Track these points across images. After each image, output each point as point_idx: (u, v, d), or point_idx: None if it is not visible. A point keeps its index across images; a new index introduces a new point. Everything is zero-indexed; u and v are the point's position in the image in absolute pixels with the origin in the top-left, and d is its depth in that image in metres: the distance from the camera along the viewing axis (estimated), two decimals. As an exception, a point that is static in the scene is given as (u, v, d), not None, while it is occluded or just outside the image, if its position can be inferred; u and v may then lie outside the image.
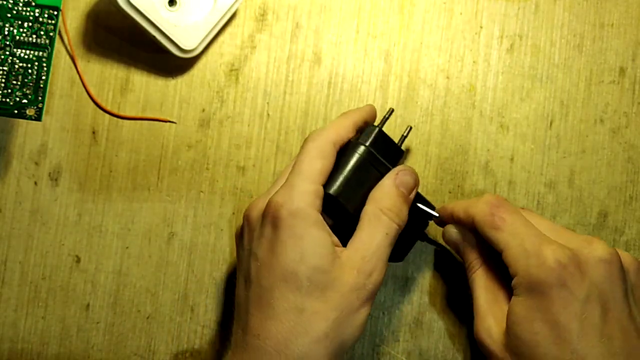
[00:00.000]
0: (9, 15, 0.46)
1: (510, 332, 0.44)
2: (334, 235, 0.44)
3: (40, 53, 0.46)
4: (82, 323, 0.50)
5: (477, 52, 0.52)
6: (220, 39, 0.52)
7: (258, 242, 0.44)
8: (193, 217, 0.51)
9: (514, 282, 0.44)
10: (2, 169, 0.50)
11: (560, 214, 0.52)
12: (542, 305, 0.43)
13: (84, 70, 0.51)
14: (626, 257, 0.45)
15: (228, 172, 0.51)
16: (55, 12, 0.46)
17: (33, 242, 0.50)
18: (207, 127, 0.51)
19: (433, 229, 0.51)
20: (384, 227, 0.44)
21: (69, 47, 0.51)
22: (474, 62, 0.52)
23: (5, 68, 0.46)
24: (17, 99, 0.46)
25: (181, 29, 0.49)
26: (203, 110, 0.51)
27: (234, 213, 0.51)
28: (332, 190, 0.45)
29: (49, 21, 0.46)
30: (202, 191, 0.51)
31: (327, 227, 0.44)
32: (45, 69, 0.46)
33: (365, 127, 0.48)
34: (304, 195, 0.43)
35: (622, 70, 0.53)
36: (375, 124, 0.48)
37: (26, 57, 0.46)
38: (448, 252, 0.51)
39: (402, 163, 0.51)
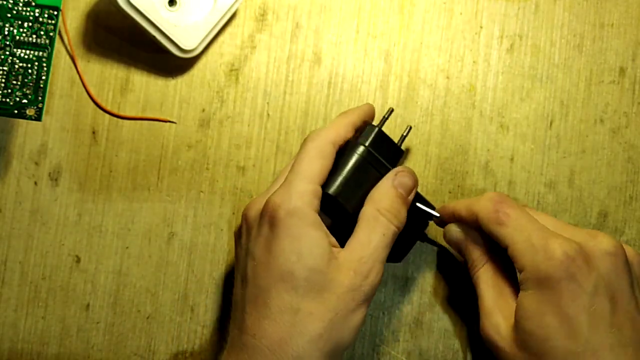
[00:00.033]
0: (9, 15, 0.46)
1: (519, 327, 0.44)
2: (331, 236, 0.44)
3: (40, 53, 0.46)
4: (82, 323, 0.50)
5: (477, 52, 0.52)
6: (220, 39, 0.52)
7: (255, 242, 0.44)
8: (193, 217, 0.51)
9: (521, 277, 0.44)
10: (2, 169, 0.51)
11: (560, 214, 0.51)
12: (551, 299, 0.43)
13: (84, 70, 0.51)
14: (629, 251, 0.45)
15: (228, 172, 0.51)
16: (55, 12, 0.46)
17: (33, 242, 0.50)
18: (207, 127, 0.51)
19: (433, 230, 0.51)
20: (381, 229, 0.44)
21: (69, 47, 0.51)
22: (474, 62, 0.52)
23: (5, 68, 0.46)
24: (17, 99, 0.46)
25: (181, 29, 0.49)
26: (203, 110, 0.52)
27: (233, 213, 0.51)
28: (332, 190, 0.45)
29: (49, 21, 0.46)
30: (202, 191, 0.51)
31: (325, 228, 0.43)
32: (45, 69, 0.46)
33: (364, 127, 0.48)
34: (301, 195, 0.43)
35: (622, 70, 0.52)
36: (375, 123, 0.48)
37: (26, 57, 0.46)
38: (448, 252, 0.51)
39: (402, 163, 0.51)
